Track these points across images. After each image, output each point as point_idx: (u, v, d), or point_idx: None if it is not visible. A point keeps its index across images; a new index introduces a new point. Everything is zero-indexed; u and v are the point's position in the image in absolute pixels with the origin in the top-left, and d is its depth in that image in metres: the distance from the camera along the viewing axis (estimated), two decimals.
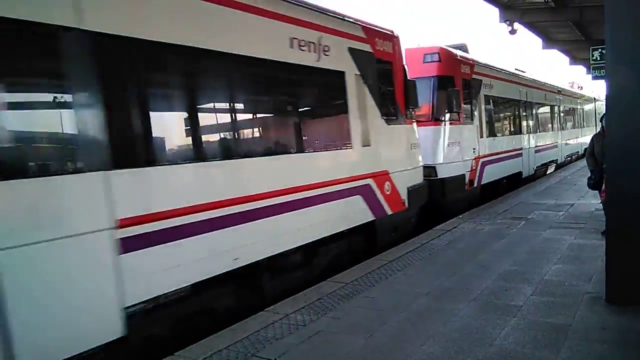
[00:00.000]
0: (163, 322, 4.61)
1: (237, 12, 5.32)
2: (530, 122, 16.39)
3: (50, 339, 3.57)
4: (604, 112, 5.51)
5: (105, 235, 3.91)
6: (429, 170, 9.96)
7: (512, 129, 15.04)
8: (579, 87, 26.77)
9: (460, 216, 10.26)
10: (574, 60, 28.29)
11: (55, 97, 3.90)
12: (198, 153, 5.00)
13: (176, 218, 4.48)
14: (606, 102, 5.02)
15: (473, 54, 12.58)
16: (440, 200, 10.32)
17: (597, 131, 7.98)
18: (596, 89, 34.87)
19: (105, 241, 3.91)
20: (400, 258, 7.11)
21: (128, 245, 4.04)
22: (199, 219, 4.71)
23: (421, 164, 9.20)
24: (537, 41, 22.29)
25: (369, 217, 7.45)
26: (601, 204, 7.93)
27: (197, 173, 4.87)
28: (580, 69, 31.46)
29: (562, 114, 20.86)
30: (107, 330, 3.94)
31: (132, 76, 4.42)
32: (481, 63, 12.60)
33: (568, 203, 11.26)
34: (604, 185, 6.94)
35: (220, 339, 4.54)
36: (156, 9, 4.54)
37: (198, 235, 4.71)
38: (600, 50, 14.90)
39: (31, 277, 3.47)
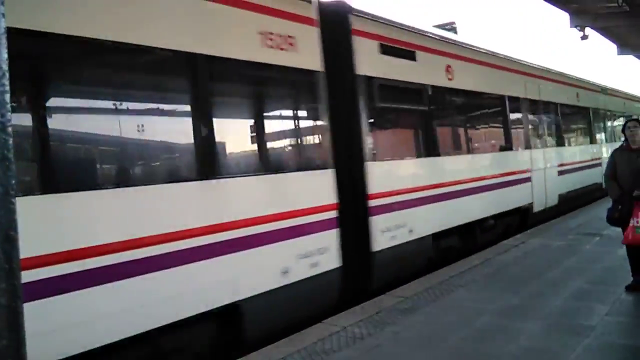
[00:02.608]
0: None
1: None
2: None
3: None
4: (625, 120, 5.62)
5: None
6: None
7: None
8: None
9: (529, 231, 9.82)
10: None
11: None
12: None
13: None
14: None
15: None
16: None
17: (620, 145, 5.91)
18: None
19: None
20: (463, 273, 6.88)
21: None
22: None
23: None
24: (610, 46, 21.83)
25: None
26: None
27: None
28: None
29: None
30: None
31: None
32: None
33: None
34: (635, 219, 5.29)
35: (277, 348, 4.55)
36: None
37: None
38: None
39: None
